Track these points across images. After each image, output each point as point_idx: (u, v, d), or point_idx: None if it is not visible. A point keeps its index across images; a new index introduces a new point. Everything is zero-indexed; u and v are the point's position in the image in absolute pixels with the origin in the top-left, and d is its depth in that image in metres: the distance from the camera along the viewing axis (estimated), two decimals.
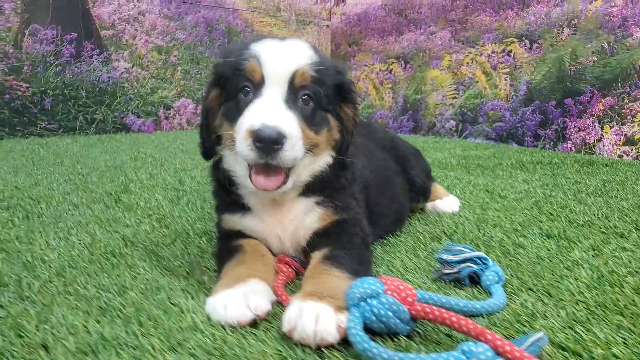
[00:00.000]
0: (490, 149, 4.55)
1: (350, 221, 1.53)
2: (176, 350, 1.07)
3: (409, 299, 1.17)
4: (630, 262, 1.64)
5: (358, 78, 6.82)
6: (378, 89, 6.51)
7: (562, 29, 4.54)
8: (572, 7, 4.46)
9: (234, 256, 1.42)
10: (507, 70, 4.99)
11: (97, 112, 5.52)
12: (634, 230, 2.00)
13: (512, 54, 4.95)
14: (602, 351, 1.08)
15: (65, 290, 1.38)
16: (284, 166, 1.34)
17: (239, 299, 1.21)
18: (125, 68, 5.65)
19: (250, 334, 1.15)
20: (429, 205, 2.33)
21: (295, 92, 1.38)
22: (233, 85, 1.43)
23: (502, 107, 5.03)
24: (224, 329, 1.16)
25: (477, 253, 1.51)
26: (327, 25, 7.18)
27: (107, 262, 1.60)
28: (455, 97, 5.49)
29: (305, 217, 1.51)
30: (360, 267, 1.40)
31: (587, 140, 4.40)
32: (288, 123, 1.31)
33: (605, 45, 4.25)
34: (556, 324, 1.21)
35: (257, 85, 1.38)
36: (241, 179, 1.51)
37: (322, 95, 1.42)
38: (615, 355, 1.07)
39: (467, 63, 5.37)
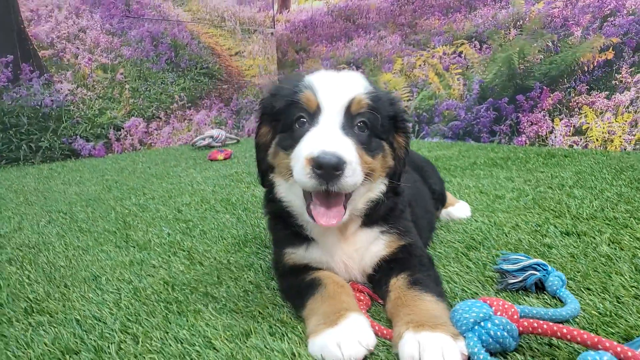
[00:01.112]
0: (454, 147, 4.74)
1: (414, 244, 1.56)
2: None
3: (515, 317, 1.22)
4: None
5: None
6: None
7: (509, 30, 4.81)
8: (516, 9, 4.74)
9: (315, 291, 1.40)
10: (460, 70, 5.22)
11: (42, 140, 5.16)
12: (633, 220, 2.18)
13: (463, 55, 5.18)
14: None
15: (147, 349, 1.30)
16: (344, 192, 1.35)
17: (349, 336, 1.21)
18: (69, 90, 5.32)
19: None
20: (444, 212, 2.40)
21: (352, 119, 1.40)
22: (287, 117, 1.44)
23: (457, 106, 5.25)
24: None
25: (535, 260, 1.59)
26: (272, 33, 7.15)
27: (167, 311, 1.52)
28: (410, 99, 5.66)
29: (371, 245, 1.53)
30: (440, 287, 1.44)
31: (540, 133, 4.70)
32: (347, 148, 1.32)
33: (550, 44, 4.56)
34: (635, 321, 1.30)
35: (313, 114, 1.40)
36: (297, 209, 1.51)
37: (378, 123, 1.44)
38: None
39: (420, 65, 5.56)
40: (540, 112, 4.68)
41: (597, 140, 4.35)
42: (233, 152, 4.99)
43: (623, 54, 4.16)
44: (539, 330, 1.20)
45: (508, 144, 4.90)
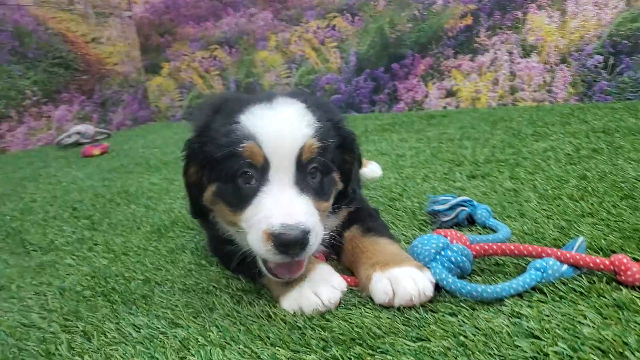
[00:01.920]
0: None
1: (361, 205, 1.59)
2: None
3: (467, 243, 1.32)
4: None
5: (178, 69, 6.55)
6: (205, 77, 6.36)
7: (377, 1, 5.04)
8: None
9: None
10: (335, 44, 5.36)
11: None
12: (520, 159, 2.44)
13: (336, 28, 5.32)
14: None
15: (105, 342, 1.19)
16: (308, 256, 1.26)
17: (322, 282, 1.24)
18: None
19: (343, 311, 1.19)
20: None
21: (304, 168, 1.27)
22: (228, 168, 1.26)
23: (337, 79, 5.40)
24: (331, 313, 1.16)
25: (462, 197, 1.72)
26: (130, 16, 6.67)
27: (110, 302, 1.41)
28: (289, 76, 5.69)
29: (326, 225, 1.50)
30: (390, 232, 1.50)
31: (416, 98, 5.03)
32: (307, 213, 1.20)
33: (417, 12, 4.87)
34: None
35: (261, 170, 1.24)
36: (250, 252, 1.35)
37: (328, 160, 1.32)
38: None
39: (295, 41, 5.60)
40: (414, 78, 5.00)
41: (466, 99, 4.77)
42: (110, 145, 4.62)
43: (480, 19, 4.59)
44: (490, 251, 1.31)
45: (388, 111, 5.18)
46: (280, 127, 1.24)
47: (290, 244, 1.14)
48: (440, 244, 1.27)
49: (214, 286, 1.43)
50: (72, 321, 1.32)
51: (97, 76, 6.18)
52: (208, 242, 1.67)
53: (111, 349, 1.15)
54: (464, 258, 1.26)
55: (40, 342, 1.22)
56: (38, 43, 5.53)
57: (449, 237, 1.30)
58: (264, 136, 1.23)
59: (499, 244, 1.31)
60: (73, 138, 5.06)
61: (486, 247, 1.31)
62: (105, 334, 1.22)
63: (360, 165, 1.54)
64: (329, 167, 1.33)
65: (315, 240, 1.20)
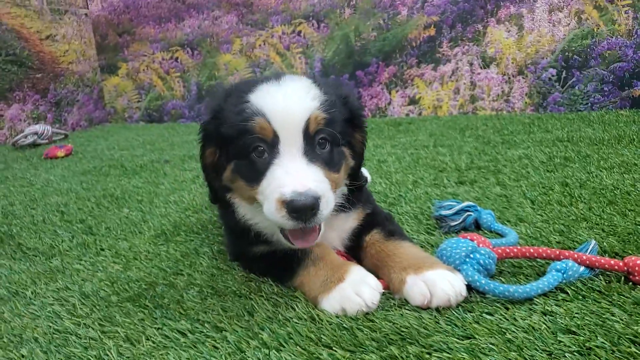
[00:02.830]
0: None
1: (377, 209, 1.67)
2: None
3: (490, 246, 1.42)
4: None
5: (137, 70, 6.37)
6: (165, 79, 6.23)
7: (344, 9, 5.15)
8: None
9: (302, 258, 1.42)
10: (300, 49, 5.41)
11: None
12: (499, 166, 2.60)
13: (302, 34, 5.38)
14: None
15: (153, 347, 1.19)
16: (321, 223, 1.33)
17: (362, 284, 1.28)
18: None
19: (383, 312, 1.25)
20: None
21: (312, 139, 1.33)
22: (242, 145, 1.34)
23: None
24: (368, 315, 1.21)
25: (466, 203, 1.83)
26: (86, 14, 6.43)
27: (142, 308, 1.40)
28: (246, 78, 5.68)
29: (345, 224, 1.56)
30: (408, 237, 1.57)
31: (380, 105, 5.17)
32: (317, 180, 1.28)
33: (382, 22, 5.02)
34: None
35: (271, 143, 1.31)
36: (267, 230, 1.49)
37: (337, 132, 1.38)
38: None
39: (260, 45, 5.60)
40: (378, 85, 5.14)
41: (428, 107, 4.96)
42: (73, 147, 4.44)
43: (442, 30, 4.79)
44: (511, 254, 1.42)
45: None
46: (287, 102, 1.31)
47: (302, 210, 1.21)
48: (469, 248, 1.35)
49: (245, 289, 1.45)
50: (108, 327, 1.30)
51: (52, 75, 5.93)
52: (228, 244, 1.69)
53: (161, 354, 1.15)
54: (490, 261, 1.35)
55: (84, 348, 1.21)
56: None
57: (475, 241, 1.39)
58: (272, 111, 1.30)
59: (519, 247, 1.42)
60: (30, 139, 4.83)
61: (507, 250, 1.41)
62: (150, 339, 1.22)
63: (365, 144, 1.56)
64: (337, 139, 1.39)
65: (327, 207, 1.27)
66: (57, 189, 2.99)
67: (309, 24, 5.33)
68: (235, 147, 1.36)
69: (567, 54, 4.35)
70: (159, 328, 1.27)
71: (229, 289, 1.47)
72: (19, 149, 4.77)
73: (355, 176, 1.54)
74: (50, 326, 1.34)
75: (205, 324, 1.27)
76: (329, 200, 1.28)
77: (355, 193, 1.56)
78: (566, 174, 2.33)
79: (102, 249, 1.93)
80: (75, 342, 1.25)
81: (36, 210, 2.54)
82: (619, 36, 4.15)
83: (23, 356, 1.21)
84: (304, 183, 1.24)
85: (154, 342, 1.21)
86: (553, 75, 4.43)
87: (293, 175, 1.26)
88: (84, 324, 1.34)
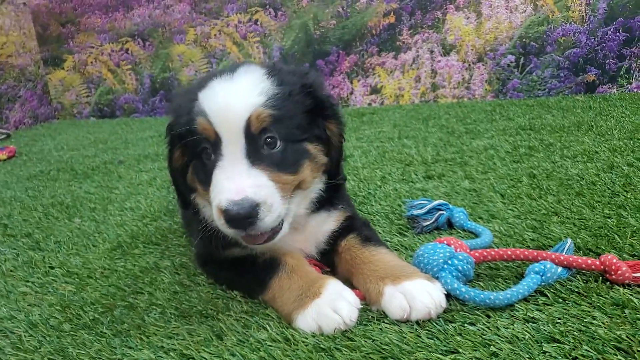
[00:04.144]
0: None
1: (355, 213, 1.60)
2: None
3: (468, 250, 1.37)
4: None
5: (84, 62, 6.06)
6: (115, 71, 5.95)
7: None
8: None
9: (276, 269, 1.34)
10: (258, 38, 5.26)
11: None
12: (466, 158, 2.58)
13: (259, 23, 5.22)
14: None
15: None
16: (265, 230, 1.25)
17: (339, 300, 1.21)
18: None
19: (362, 328, 1.19)
20: None
21: (256, 140, 1.25)
22: (193, 145, 1.31)
23: None
24: (348, 332, 1.15)
25: (438, 201, 1.78)
26: (24, 3, 6.05)
27: (99, 336, 1.28)
28: (209, 70, 5.49)
29: (322, 226, 1.49)
30: (384, 242, 1.52)
31: (342, 95, 5.10)
32: (256, 186, 1.20)
33: (341, 10, 4.92)
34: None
35: (215, 144, 1.25)
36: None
37: (291, 129, 1.29)
38: None
39: (215, 35, 5.41)
40: (339, 75, 5.06)
41: (390, 96, 4.92)
42: (16, 148, 4.18)
43: (402, 18, 4.74)
44: (489, 257, 1.38)
45: None
46: (226, 100, 1.23)
47: (236, 220, 1.17)
48: (447, 254, 1.31)
49: (212, 309, 1.35)
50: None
51: None
52: (199, 251, 1.58)
53: None
54: (469, 266, 1.31)
55: None
56: None
57: (452, 246, 1.35)
58: (212, 110, 1.24)
59: (497, 250, 1.38)
60: None
61: (485, 253, 1.37)
62: None
63: (343, 135, 1.47)
64: (294, 135, 1.30)
65: (271, 214, 1.21)
66: (0, 198, 2.78)
67: (265, 12, 5.17)
68: (191, 148, 1.32)
69: (524, 40, 4.38)
70: (118, 359, 1.16)
71: (194, 308, 1.37)
72: None
73: (334, 173, 1.44)
74: None
75: (170, 352, 1.17)
76: (272, 206, 1.21)
77: (335, 192, 1.48)
78: (532, 164, 2.33)
79: (52, 267, 1.78)
80: None
81: None
82: (572, 22, 4.21)
83: None
84: (240, 190, 1.18)
85: None
86: (512, 62, 4.46)
87: (231, 181, 1.20)
88: (33, 359, 1.21)
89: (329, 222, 1.49)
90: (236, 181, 1.19)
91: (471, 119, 3.61)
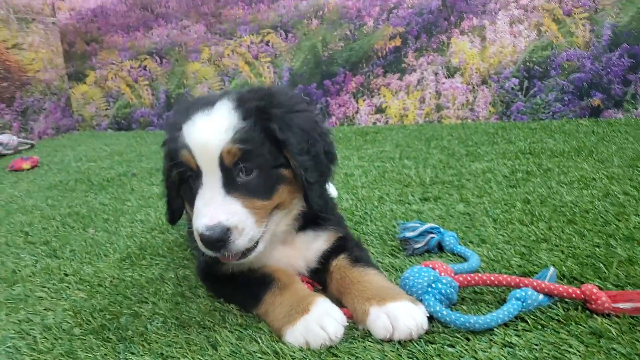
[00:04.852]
0: None
1: (347, 233, 1.69)
2: None
3: (452, 274, 1.45)
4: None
5: (105, 77, 6.26)
6: (133, 87, 6.14)
7: (311, 20, 5.16)
8: (316, 0, 5.11)
9: (269, 285, 1.43)
10: (269, 59, 5.40)
11: None
12: (463, 181, 2.65)
13: (270, 44, 5.37)
14: None
15: None
16: (239, 251, 1.37)
17: (326, 316, 1.29)
18: None
19: (346, 345, 1.26)
20: None
21: (231, 170, 1.36)
22: (182, 172, 1.45)
23: None
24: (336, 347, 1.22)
25: (429, 224, 1.86)
26: (53, 22, 6.28)
27: (105, 341, 1.37)
28: (222, 88, 5.65)
29: (312, 244, 1.58)
30: (375, 263, 1.59)
31: (347, 114, 5.21)
32: (229, 213, 1.32)
33: (348, 32, 5.06)
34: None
35: (197, 173, 1.39)
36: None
37: (264, 156, 1.38)
38: None
39: (228, 54, 5.57)
40: (346, 94, 5.17)
41: (395, 116, 5.02)
42: (39, 158, 4.34)
43: (408, 41, 4.86)
44: (472, 282, 1.44)
45: None
46: (203, 137, 1.36)
47: (209, 243, 1.31)
48: (432, 277, 1.38)
49: (209, 321, 1.44)
50: None
51: (18, 83, 5.78)
52: (199, 265, 1.68)
53: None
54: (452, 290, 1.37)
55: None
56: None
57: (437, 270, 1.42)
58: (194, 145, 1.37)
59: (480, 275, 1.45)
60: None
61: (469, 278, 1.44)
62: None
63: (329, 159, 1.52)
64: (268, 163, 1.39)
65: (242, 238, 1.33)
66: (22, 206, 2.91)
67: (277, 34, 5.33)
68: (180, 172, 1.45)
69: (528, 64, 4.47)
70: None
71: (193, 319, 1.46)
72: None
73: (308, 198, 1.46)
74: None
75: (169, 359, 1.26)
76: (244, 230, 1.33)
77: (323, 213, 1.56)
78: (528, 189, 2.40)
79: (67, 274, 1.89)
80: None
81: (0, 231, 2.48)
82: (576, 47, 4.28)
83: None
84: (214, 217, 1.31)
85: None
86: (515, 85, 4.55)
87: (207, 207, 1.34)
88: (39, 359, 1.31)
89: (319, 241, 1.58)
90: (211, 208, 1.33)
91: (473, 141, 3.69)
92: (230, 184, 1.35)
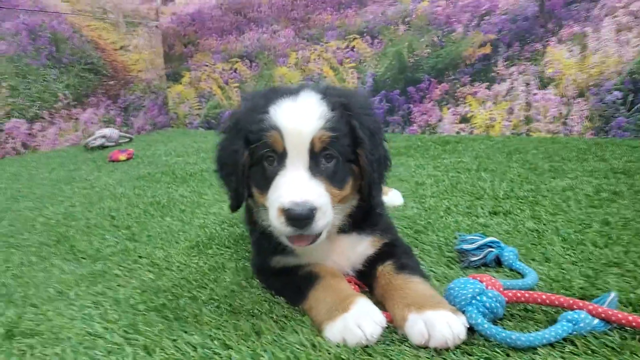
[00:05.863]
0: None
1: (396, 240, 1.69)
2: None
3: (501, 289, 1.39)
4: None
5: (199, 79, 6.66)
6: (224, 88, 6.47)
7: (398, 26, 5.14)
8: (404, 6, 5.08)
9: (314, 282, 1.48)
10: (353, 64, 5.45)
11: None
12: (539, 197, 2.51)
13: (355, 49, 5.42)
14: None
15: (165, 359, 1.26)
16: (317, 232, 1.40)
17: (365, 317, 1.31)
18: None
19: (383, 347, 1.26)
20: None
21: (317, 156, 1.42)
22: (258, 151, 1.46)
23: None
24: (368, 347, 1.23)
25: (490, 238, 1.79)
26: (157, 26, 6.81)
27: (163, 319, 1.48)
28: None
29: (356, 247, 1.60)
30: (422, 271, 1.57)
31: (430, 122, 5.11)
32: (316, 194, 1.37)
33: (436, 39, 4.97)
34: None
35: (280, 155, 1.42)
36: (277, 233, 1.52)
37: (344, 148, 1.45)
38: None
39: (314, 59, 5.70)
40: (429, 102, 5.08)
41: (480, 126, 4.85)
42: (134, 151, 4.72)
43: (499, 49, 4.68)
44: (522, 299, 1.38)
45: (401, 133, 5.25)
46: (296, 121, 1.41)
47: (297, 219, 1.32)
48: (477, 289, 1.34)
49: (258, 310, 1.51)
50: (131, 334, 1.41)
51: (122, 82, 6.36)
52: (254, 259, 1.76)
53: None
54: (498, 304, 1.32)
55: (107, 352, 1.32)
56: (72, 49, 5.75)
57: (484, 283, 1.37)
58: (285, 128, 1.40)
59: (531, 292, 1.38)
60: (99, 141, 5.24)
61: (519, 294, 1.38)
62: (164, 350, 1.31)
63: (385, 165, 1.58)
64: (346, 155, 1.46)
65: (323, 219, 1.36)
66: (113, 193, 3.20)
67: (363, 39, 5.36)
68: (255, 151, 1.47)
69: (635, 76, 4.12)
70: (174, 340, 1.36)
71: (244, 307, 1.54)
72: (89, 150, 5.16)
73: (364, 195, 1.53)
74: (83, 328, 1.46)
75: (215, 341, 1.34)
76: (326, 213, 1.37)
77: (368, 215, 1.59)
78: (610, 210, 2.22)
79: (141, 257, 2.06)
80: (101, 345, 1.36)
81: (91, 213, 2.75)
82: None
83: (56, 354, 1.33)
84: (302, 195, 1.34)
85: (166, 354, 1.29)
86: (618, 98, 4.21)
87: (294, 186, 1.37)
88: (112, 329, 1.45)
89: (362, 244, 1.60)
90: (299, 187, 1.36)
91: (560, 156, 3.47)
92: (314, 168, 1.41)
